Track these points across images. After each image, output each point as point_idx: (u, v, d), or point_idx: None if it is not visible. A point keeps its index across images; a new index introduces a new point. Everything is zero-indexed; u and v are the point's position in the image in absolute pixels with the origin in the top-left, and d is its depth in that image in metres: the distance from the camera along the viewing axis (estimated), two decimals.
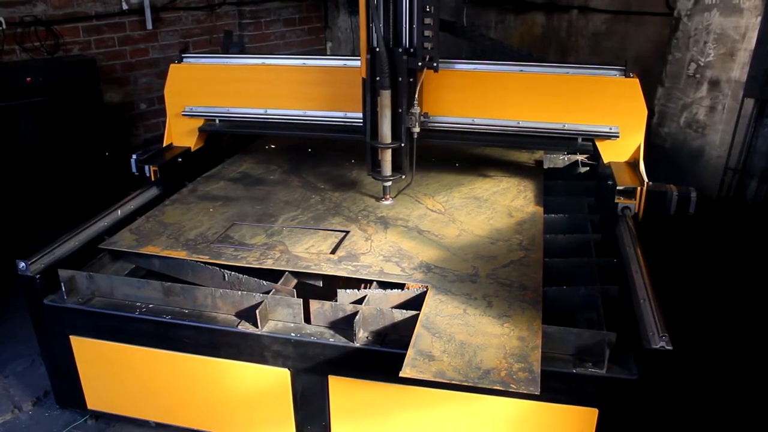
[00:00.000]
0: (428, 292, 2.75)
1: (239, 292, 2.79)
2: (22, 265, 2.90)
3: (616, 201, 3.26)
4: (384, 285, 2.87)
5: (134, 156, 3.86)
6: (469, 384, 2.25)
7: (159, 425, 3.15)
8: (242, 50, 6.57)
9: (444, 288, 2.79)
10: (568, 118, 3.60)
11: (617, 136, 3.54)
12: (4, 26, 5.09)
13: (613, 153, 3.58)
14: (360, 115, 3.52)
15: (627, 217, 3.23)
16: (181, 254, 3.11)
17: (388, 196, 3.66)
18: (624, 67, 3.53)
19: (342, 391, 2.73)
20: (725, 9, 4.30)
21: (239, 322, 2.76)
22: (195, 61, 4.14)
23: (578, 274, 3.05)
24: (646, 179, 3.33)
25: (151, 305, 2.89)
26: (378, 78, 3.29)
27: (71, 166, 5.18)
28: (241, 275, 2.95)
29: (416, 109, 3.36)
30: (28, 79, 4.87)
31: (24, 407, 3.42)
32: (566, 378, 2.40)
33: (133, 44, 6.07)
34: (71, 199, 5.08)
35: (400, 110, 3.38)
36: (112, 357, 2.99)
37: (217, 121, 4.09)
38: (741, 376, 3.49)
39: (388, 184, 3.63)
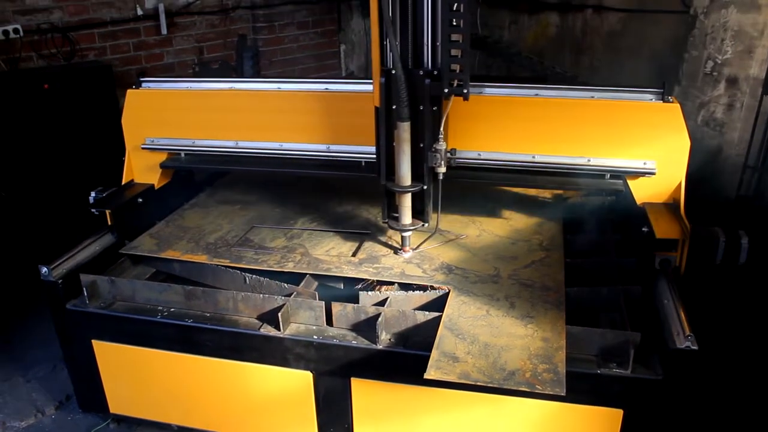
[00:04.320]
0: (450, 293, 2.75)
1: (261, 295, 2.80)
2: (44, 270, 2.93)
3: (654, 253, 2.80)
4: (405, 287, 2.87)
5: (92, 194, 3.44)
6: (494, 385, 2.25)
7: (181, 429, 3.17)
8: (256, 54, 6.59)
9: (466, 289, 2.78)
10: (594, 151, 3.05)
11: (653, 173, 2.99)
12: (21, 34, 5.13)
13: (648, 192, 3.03)
14: (349, 148, 3.23)
15: (666, 271, 2.76)
16: (201, 258, 3.12)
17: (407, 248, 3.09)
18: (662, 90, 3.01)
19: (365, 393, 2.72)
20: (743, 5, 4.26)
21: (261, 325, 2.76)
22: (156, 87, 3.66)
23: (599, 274, 3.03)
24: (689, 226, 2.78)
25: (172, 309, 2.91)
26: (395, 107, 2.76)
27: (88, 171, 5.21)
28: (262, 278, 2.96)
29: (441, 145, 2.79)
30: (46, 85, 4.92)
31: (47, 411, 3.45)
32: (591, 379, 2.39)
33: (148, 49, 6.11)
34: (88, 205, 5.11)
35: (421, 146, 2.84)
36: (134, 361, 3.01)
37: (183, 155, 3.61)
38: (765, 377, 3.45)
39: (408, 234, 3.07)
